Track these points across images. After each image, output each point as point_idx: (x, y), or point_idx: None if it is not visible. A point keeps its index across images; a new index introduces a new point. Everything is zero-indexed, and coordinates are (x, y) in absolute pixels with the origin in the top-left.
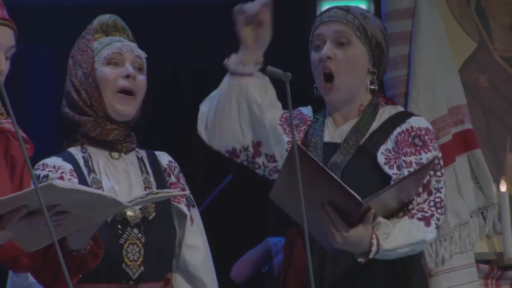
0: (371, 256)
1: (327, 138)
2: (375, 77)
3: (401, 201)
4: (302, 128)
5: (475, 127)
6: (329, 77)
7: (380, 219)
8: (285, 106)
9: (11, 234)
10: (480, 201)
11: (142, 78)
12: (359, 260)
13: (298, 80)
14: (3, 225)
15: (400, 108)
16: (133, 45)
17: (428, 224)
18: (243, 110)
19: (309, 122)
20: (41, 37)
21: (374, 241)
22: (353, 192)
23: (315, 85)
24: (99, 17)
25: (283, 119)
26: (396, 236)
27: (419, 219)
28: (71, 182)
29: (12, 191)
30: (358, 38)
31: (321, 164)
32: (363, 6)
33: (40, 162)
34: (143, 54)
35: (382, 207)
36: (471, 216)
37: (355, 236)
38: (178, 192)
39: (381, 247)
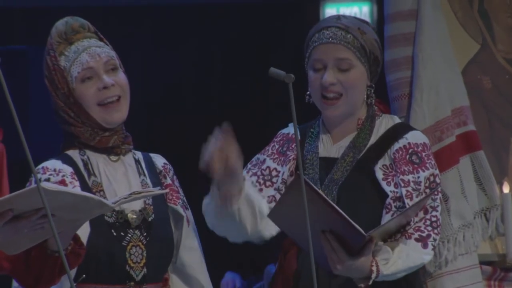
0: (370, 282)
1: (323, 153)
2: (372, 90)
3: (400, 224)
4: (293, 146)
5: (478, 128)
6: (332, 98)
7: (380, 244)
8: (287, 109)
9: None
10: (483, 203)
11: (121, 76)
12: (359, 285)
13: (300, 82)
14: None
15: (397, 119)
16: (99, 49)
17: (425, 245)
18: (243, 227)
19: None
20: (46, 38)
21: (374, 268)
22: (356, 225)
23: (308, 92)
24: (54, 26)
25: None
26: (396, 261)
27: (416, 239)
28: (69, 188)
29: None
30: (359, 59)
31: (323, 194)
32: (366, 8)
33: (40, 166)
34: (111, 52)
35: (382, 232)
36: (474, 218)
37: (355, 265)
38: (159, 191)
39: (381, 273)
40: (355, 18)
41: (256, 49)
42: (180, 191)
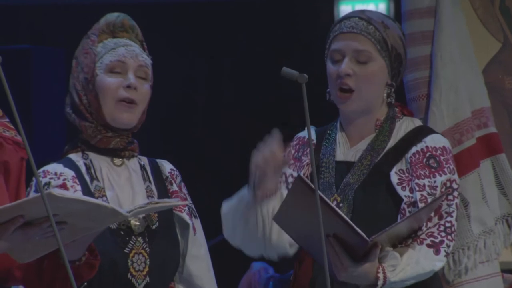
0: None
1: (340, 157)
2: (392, 89)
3: (411, 228)
4: (308, 151)
5: (499, 130)
6: (346, 90)
7: (388, 249)
8: (301, 109)
9: (7, 244)
10: (504, 208)
11: (145, 87)
12: None
13: (314, 81)
14: None
15: (418, 122)
16: (138, 51)
17: (437, 251)
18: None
19: (313, 145)
20: (50, 37)
21: (381, 275)
22: (358, 230)
23: (328, 89)
24: (106, 16)
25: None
26: (404, 267)
27: (428, 245)
28: (70, 192)
29: (9, 199)
30: (379, 52)
31: (325, 198)
32: (383, 5)
33: (40, 169)
34: (148, 60)
35: (391, 237)
36: (495, 224)
37: (359, 271)
38: (178, 202)
39: (388, 280)
40: (380, 13)
41: (268, 48)
42: (188, 198)
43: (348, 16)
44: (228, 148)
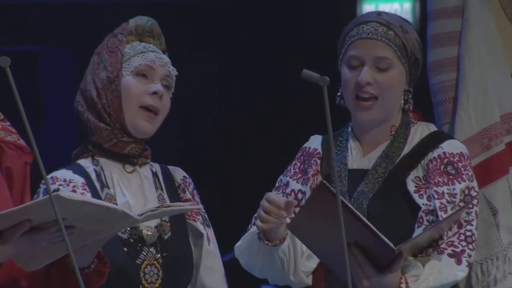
0: None
1: (352, 165)
2: (410, 96)
3: (432, 238)
4: (312, 161)
5: None
6: (367, 99)
7: (410, 259)
8: (322, 112)
9: (14, 250)
10: None
11: (168, 98)
12: None
13: (336, 84)
14: (4, 241)
15: (433, 127)
16: (167, 60)
17: (459, 261)
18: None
19: (318, 155)
20: (59, 38)
21: (404, 285)
22: (385, 238)
23: (338, 93)
24: (137, 18)
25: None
26: (427, 277)
27: (449, 255)
28: (79, 194)
29: (14, 205)
30: (399, 59)
31: (349, 205)
32: (408, 4)
33: (49, 176)
34: (174, 71)
35: (412, 247)
36: None
37: (383, 281)
38: (190, 206)
39: None
40: (396, 15)
41: (288, 48)
42: (201, 207)
43: (366, 20)
44: (230, 149)
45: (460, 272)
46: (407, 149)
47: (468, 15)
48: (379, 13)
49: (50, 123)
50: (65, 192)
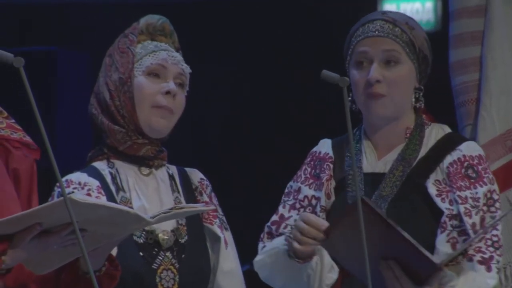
0: None
1: (367, 169)
2: (421, 94)
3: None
4: (325, 165)
5: None
6: (376, 95)
7: (445, 270)
8: (342, 112)
9: (24, 254)
10: None
11: (182, 96)
12: None
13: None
14: (14, 245)
15: (447, 129)
16: (179, 58)
17: (489, 268)
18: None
19: (330, 159)
20: (74, 39)
21: None
22: (426, 253)
23: (349, 98)
24: (147, 17)
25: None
26: (462, 287)
27: (479, 262)
28: (92, 197)
29: (21, 206)
30: (407, 55)
31: (387, 219)
32: (429, 4)
33: (63, 179)
34: (187, 69)
35: None
36: None
37: None
38: (204, 208)
39: None
40: (402, 13)
41: (308, 49)
42: (219, 209)
43: (371, 19)
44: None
45: (490, 280)
46: (423, 151)
47: (491, 16)
48: (384, 12)
49: (64, 124)
50: (78, 195)
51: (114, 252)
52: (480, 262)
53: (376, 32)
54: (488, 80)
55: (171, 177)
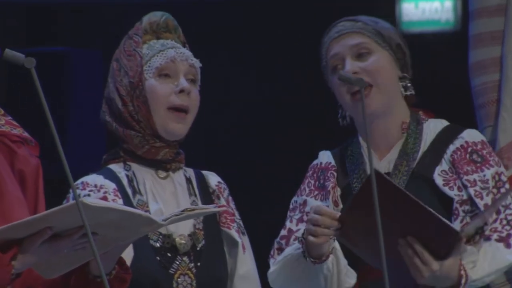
0: None
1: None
2: (407, 82)
3: (477, 227)
4: (329, 174)
5: None
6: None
7: (465, 246)
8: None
9: (34, 259)
10: None
11: (196, 92)
12: None
13: None
14: (24, 249)
15: (445, 122)
16: (188, 53)
17: (508, 245)
18: None
19: (333, 168)
20: (86, 38)
21: (463, 273)
22: (446, 220)
23: (339, 115)
24: (150, 14)
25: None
26: (482, 264)
27: (497, 240)
28: (103, 201)
29: (27, 209)
30: (377, 43)
31: (405, 191)
32: (449, 3)
33: (79, 181)
34: (197, 63)
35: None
36: None
37: (444, 270)
38: (215, 209)
39: (469, 278)
40: (365, 16)
41: None
42: (236, 213)
43: (333, 25)
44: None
45: (510, 255)
46: (424, 145)
47: (511, 14)
48: (347, 17)
49: (77, 124)
50: (89, 199)
51: (130, 256)
52: (498, 240)
53: (340, 32)
54: (509, 80)
55: (188, 180)
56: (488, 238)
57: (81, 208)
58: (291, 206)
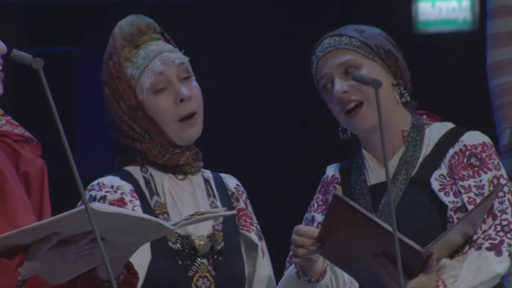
0: None
1: (373, 180)
2: (402, 88)
3: (466, 234)
4: (331, 187)
5: None
6: (354, 109)
7: (444, 260)
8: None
9: (40, 266)
10: None
11: (194, 84)
12: None
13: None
14: (31, 256)
15: (450, 125)
16: (172, 54)
17: (499, 253)
18: None
19: (336, 180)
20: (93, 38)
21: None
22: (409, 241)
23: (340, 129)
24: (118, 26)
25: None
26: (465, 276)
27: (487, 248)
28: (129, 207)
29: (33, 212)
30: (365, 57)
31: (368, 214)
32: (466, 2)
33: (95, 182)
34: (184, 59)
35: (446, 247)
36: None
37: (418, 287)
38: (225, 212)
39: None
40: (349, 25)
41: None
42: (254, 217)
43: (319, 43)
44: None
45: (501, 264)
46: (425, 150)
47: None
48: (331, 33)
49: (85, 125)
50: (97, 204)
51: (148, 259)
52: (489, 249)
53: (325, 50)
54: None
55: (207, 181)
56: (479, 247)
57: (91, 214)
58: (303, 223)
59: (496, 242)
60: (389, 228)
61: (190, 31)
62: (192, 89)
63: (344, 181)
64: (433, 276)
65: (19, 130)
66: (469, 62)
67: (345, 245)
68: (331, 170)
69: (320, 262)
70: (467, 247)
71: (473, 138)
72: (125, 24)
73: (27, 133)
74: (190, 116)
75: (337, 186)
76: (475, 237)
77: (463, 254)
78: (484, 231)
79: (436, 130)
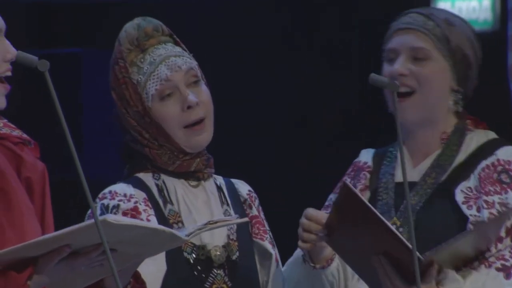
0: None
1: (400, 177)
2: (460, 96)
3: (478, 248)
4: (361, 175)
5: None
6: (404, 94)
7: (448, 271)
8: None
9: (50, 278)
10: None
11: (203, 89)
12: None
13: None
14: (40, 268)
15: (492, 135)
16: (179, 59)
17: (508, 276)
18: None
19: (368, 168)
20: (99, 39)
21: None
22: (409, 245)
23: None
24: (124, 30)
25: None
26: None
27: (498, 269)
28: (143, 216)
29: (36, 218)
30: (439, 51)
31: (373, 208)
32: (487, 2)
33: (107, 190)
34: (192, 62)
35: (453, 257)
36: None
37: None
38: (237, 220)
39: None
40: (448, 11)
41: (354, 48)
42: (266, 224)
43: (407, 12)
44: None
45: (507, 287)
46: (461, 157)
47: None
48: (425, 7)
49: (91, 127)
50: (111, 216)
51: (163, 270)
52: (499, 269)
53: (407, 24)
54: None
55: (219, 188)
56: (489, 266)
57: (100, 227)
58: (326, 203)
59: (508, 264)
60: (392, 227)
61: (190, 31)
62: (200, 94)
63: (375, 170)
64: (432, 285)
65: (17, 132)
66: (490, 63)
67: (350, 237)
68: (365, 156)
69: (329, 248)
70: (476, 263)
71: (509, 153)
72: (131, 28)
73: (25, 135)
74: (198, 122)
75: (368, 175)
76: (487, 254)
77: (471, 269)
78: (498, 250)
79: (476, 138)
